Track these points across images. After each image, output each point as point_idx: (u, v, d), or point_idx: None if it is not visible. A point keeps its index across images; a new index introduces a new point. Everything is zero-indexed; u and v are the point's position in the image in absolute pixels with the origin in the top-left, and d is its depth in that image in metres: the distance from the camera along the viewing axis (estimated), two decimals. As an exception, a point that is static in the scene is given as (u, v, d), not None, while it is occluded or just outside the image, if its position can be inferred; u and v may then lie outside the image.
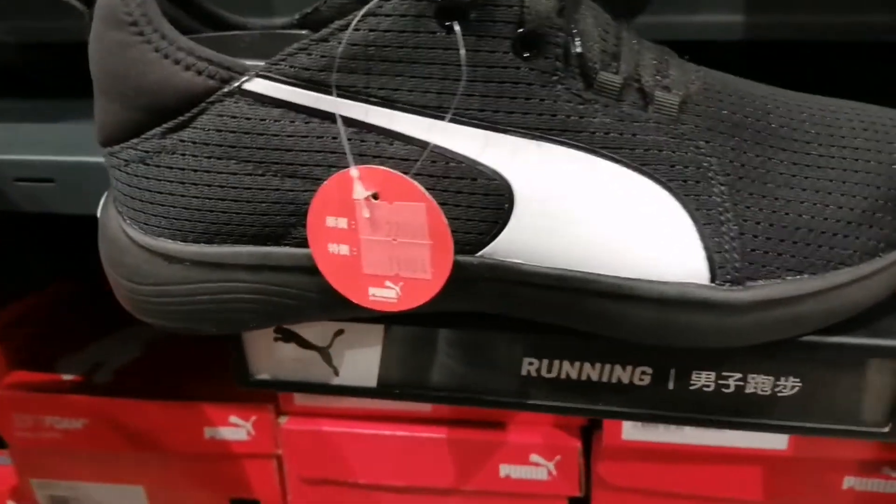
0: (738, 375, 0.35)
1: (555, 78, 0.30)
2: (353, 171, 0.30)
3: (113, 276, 0.34)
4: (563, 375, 0.37)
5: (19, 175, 0.43)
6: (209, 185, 0.31)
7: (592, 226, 0.31)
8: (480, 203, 0.30)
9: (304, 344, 0.38)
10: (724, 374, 0.35)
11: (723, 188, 0.31)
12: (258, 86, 0.30)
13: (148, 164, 0.32)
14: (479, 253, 0.31)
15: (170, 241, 0.32)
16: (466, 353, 0.37)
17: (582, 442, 0.54)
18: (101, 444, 0.59)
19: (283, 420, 0.57)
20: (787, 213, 0.31)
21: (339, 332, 0.38)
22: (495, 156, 0.30)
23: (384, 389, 0.38)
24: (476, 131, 0.30)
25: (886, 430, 0.36)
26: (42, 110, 0.50)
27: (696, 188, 0.31)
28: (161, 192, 0.32)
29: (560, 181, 0.30)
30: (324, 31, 0.29)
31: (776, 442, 0.51)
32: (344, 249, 0.31)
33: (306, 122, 0.30)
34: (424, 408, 0.55)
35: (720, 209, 0.31)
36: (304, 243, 0.32)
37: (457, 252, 0.31)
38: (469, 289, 0.32)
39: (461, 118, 0.30)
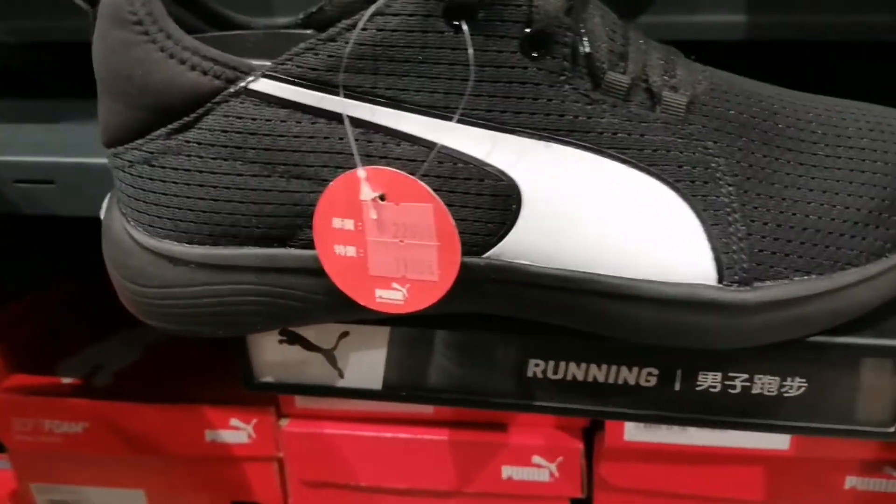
0: (745, 376, 0.35)
1: (562, 78, 0.29)
2: (361, 172, 0.30)
3: (117, 278, 0.34)
4: (568, 377, 0.36)
5: (19, 176, 0.43)
6: (215, 187, 0.31)
7: (600, 226, 0.31)
8: (488, 204, 0.30)
9: (308, 346, 0.38)
10: (731, 374, 0.35)
11: (730, 189, 0.31)
12: (264, 86, 0.30)
13: (153, 165, 0.31)
14: (486, 254, 0.31)
15: (175, 242, 0.32)
16: (472, 355, 0.37)
17: (584, 443, 0.54)
18: (102, 448, 0.58)
19: (284, 423, 0.57)
20: (794, 214, 0.31)
21: (345, 334, 0.37)
22: (503, 156, 0.30)
23: (389, 392, 0.38)
24: (483, 132, 0.30)
25: (892, 429, 0.36)
26: (42, 111, 0.49)
27: (703, 189, 0.31)
28: (166, 194, 0.32)
29: (568, 182, 0.30)
30: (331, 31, 0.29)
31: (778, 442, 0.51)
32: (350, 251, 0.31)
33: (313, 123, 0.30)
34: (426, 410, 0.55)
35: (728, 210, 0.31)
36: (310, 245, 0.31)
37: (463, 253, 0.30)
38: (475, 290, 0.32)
39: (468, 118, 0.29)
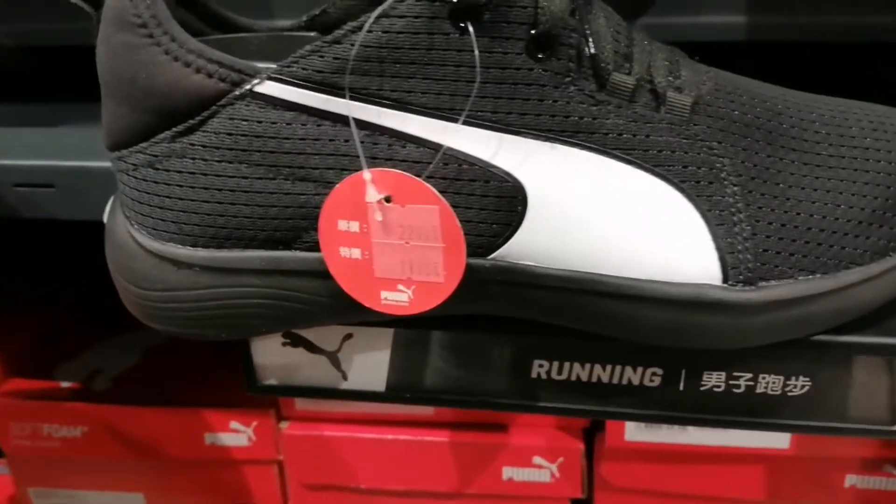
0: (749, 375, 0.35)
1: (568, 79, 0.30)
2: (366, 174, 0.30)
3: (120, 281, 0.34)
4: (573, 377, 0.36)
5: (18, 180, 0.43)
6: (219, 189, 0.31)
7: (605, 227, 0.31)
8: (493, 205, 0.30)
9: (312, 348, 0.38)
10: (735, 374, 0.35)
11: (735, 189, 0.31)
12: (269, 88, 0.30)
13: (157, 169, 0.31)
14: (492, 255, 0.31)
15: (179, 246, 0.32)
16: (476, 356, 0.37)
17: (584, 443, 0.54)
18: (101, 452, 0.58)
19: (284, 425, 0.57)
20: (798, 214, 0.31)
21: (349, 337, 0.37)
22: (508, 158, 0.30)
23: (393, 393, 0.38)
24: (489, 133, 0.30)
25: (895, 428, 0.36)
26: (41, 114, 0.49)
27: (708, 189, 0.31)
28: (170, 197, 0.31)
29: (573, 183, 0.30)
30: (337, 33, 0.29)
31: (779, 441, 0.51)
32: (356, 253, 0.31)
33: (318, 125, 0.30)
34: (426, 411, 0.55)
35: (733, 210, 0.31)
36: (315, 247, 0.31)
37: (468, 255, 0.30)
38: (480, 291, 0.32)
39: (474, 120, 0.29)
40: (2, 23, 0.48)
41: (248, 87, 0.30)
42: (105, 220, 0.35)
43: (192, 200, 0.31)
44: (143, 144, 0.31)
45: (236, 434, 0.57)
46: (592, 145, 0.30)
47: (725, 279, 0.31)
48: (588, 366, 0.36)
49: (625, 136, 0.30)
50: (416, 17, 0.28)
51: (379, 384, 0.38)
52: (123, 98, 0.31)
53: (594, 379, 0.36)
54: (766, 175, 0.31)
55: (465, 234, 0.30)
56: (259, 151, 0.30)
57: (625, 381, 0.36)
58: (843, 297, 0.32)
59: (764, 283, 0.31)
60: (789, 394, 0.35)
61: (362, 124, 0.30)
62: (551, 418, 0.55)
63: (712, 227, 0.31)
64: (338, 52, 0.29)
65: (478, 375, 0.37)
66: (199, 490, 0.60)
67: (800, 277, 0.31)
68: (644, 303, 0.31)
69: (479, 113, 0.29)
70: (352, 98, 0.29)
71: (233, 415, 0.57)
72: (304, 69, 0.29)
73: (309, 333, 0.38)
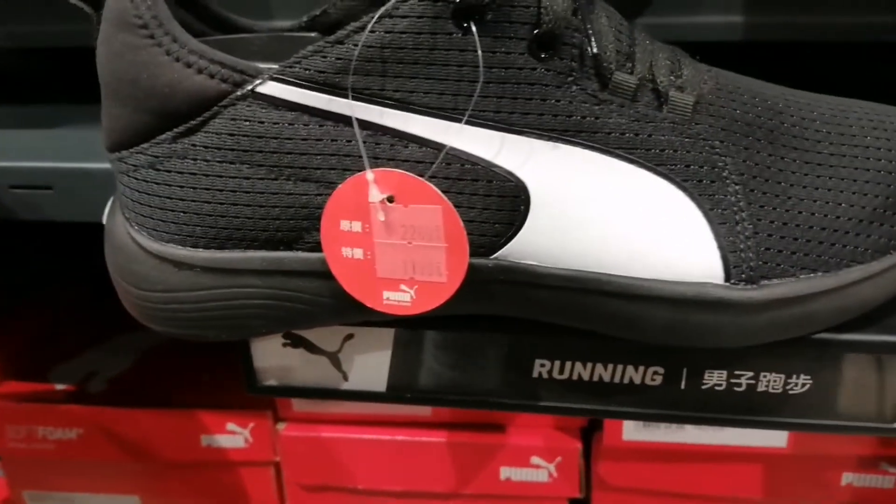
0: (750, 374, 0.35)
1: (570, 79, 0.30)
2: (369, 175, 0.30)
3: (120, 283, 0.34)
4: (574, 377, 0.36)
5: (15, 182, 0.42)
6: (221, 190, 0.31)
7: (608, 226, 0.31)
8: (496, 205, 0.30)
9: (313, 349, 0.38)
10: (736, 372, 0.35)
11: (737, 188, 0.31)
12: (272, 89, 0.29)
13: (158, 170, 0.31)
14: (494, 255, 0.31)
15: (180, 246, 0.32)
16: (477, 356, 0.37)
17: (582, 443, 0.54)
18: (96, 455, 0.58)
19: (281, 426, 0.57)
20: (800, 212, 0.31)
21: (349, 337, 0.37)
22: (511, 157, 0.30)
23: (394, 394, 0.38)
24: (491, 133, 0.30)
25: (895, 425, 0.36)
26: (38, 116, 0.49)
27: (710, 188, 0.31)
28: (171, 198, 0.31)
29: (576, 182, 0.30)
30: (339, 34, 0.29)
31: (776, 440, 0.51)
32: (358, 253, 0.31)
33: (320, 126, 0.30)
34: (424, 411, 0.55)
35: (735, 209, 0.31)
36: (317, 248, 0.31)
37: (471, 254, 0.30)
38: (482, 291, 0.32)
39: (476, 120, 0.29)
40: (-2, 24, 0.47)
41: (249, 87, 0.30)
42: (104, 221, 0.35)
43: (194, 201, 0.31)
44: (144, 145, 0.31)
45: (233, 436, 0.57)
46: (595, 145, 0.30)
47: (728, 278, 0.31)
48: (589, 365, 0.36)
49: (627, 135, 0.30)
50: (419, 17, 0.28)
51: (380, 384, 0.38)
52: (124, 99, 0.31)
53: (595, 378, 0.36)
54: (767, 174, 0.31)
55: (468, 233, 0.30)
56: (261, 152, 0.30)
57: (626, 381, 0.36)
58: (845, 295, 0.32)
59: (766, 282, 0.31)
60: (790, 392, 0.35)
61: (365, 124, 0.30)
62: (549, 418, 0.55)
63: (714, 226, 0.31)
64: (340, 52, 0.29)
65: (479, 375, 0.37)
66: (196, 492, 0.60)
67: (801, 276, 0.32)
68: (647, 302, 0.31)
69: (482, 113, 0.29)
70: (354, 98, 0.29)
71: (229, 416, 0.56)
72: (306, 69, 0.29)
73: (309, 334, 0.38)
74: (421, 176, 0.30)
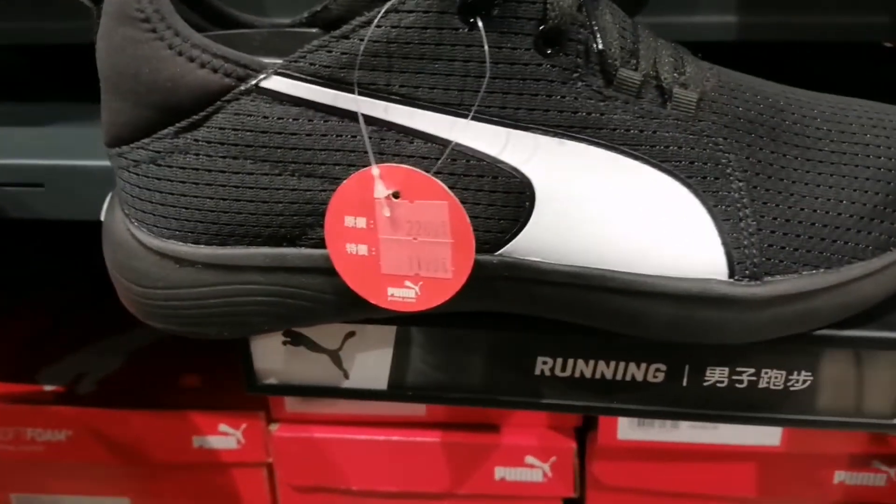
0: (752, 371, 0.35)
1: (575, 75, 0.30)
2: (375, 170, 0.29)
3: (119, 279, 0.34)
4: (576, 374, 0.36)
5: (6, 179, 0.42)
6: (224, 186, 0.31)
7: (612, 223, 0.31)
8: (501, 201, 0.30)
9: (314, 347, 0.38)
10: (738, 369, 0.35)
11: (741, 184, 0.31)
12: (276, 84, 0.29)
13: (159, 165, 0.31)
14: (499, 251, 0.31)
15: (181, 243, 0.32)
16: (479, 353, 0.37)
17: (577, 442, 0.55)
18: (85, 456, 0.58)
19: (273, 427, 0.56)
20: (802, 209, 0.32)
21: (350, 335, 0.37)
22: (516, 153, 0.30)
23: (395, 392, 0.38)
24: (497, 129, 0.30)
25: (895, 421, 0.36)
26: (30, 113, 0.48)
27: (714, 184, 0.31)
28: (173, 193, 0.31)
29: (581, 178, 0.30)
30: (345, 28, 0.28)
31: (769, 438, 0.52)
32: (362, 249, 0.31)
33: (325, 121, 0.30)
34: (418, 411, 0.55)
35: (738, 205, 0.31)
36: (320, 244, 0.31)
37: (476, 251, 0.30)
38: (487, 288, 0.32)
39: (482, 115, 0.29)
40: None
41: (253, 82, 0.29)
42: (102, 217, 0.35)
43: (195, 197, 0.31)
44: (145, 140, 0.31)
45: (225, 437, 0.56)
46: (600, 141, 0.30)
47: (731, 274, 0.31)
48: (592, 362, 0.36)
49: (632, 131, 0.30)
50: (425, 12, 0.28)
51: (381, 382, 0.38)
52: (125, 93, 0.30)
53: (598, 375, 0.36)
54: (770, 171, 0.32)
55: (473, 229, 0.30)
56: (264, 147, 0.30)
57: (628, 378, 0.36)
58: (846, 291, 0.32)
59: (769, 278, 0.31)
60: (791, 388, 0.36)
61: (370, 120, 0.29)
62: (543, 418, 0.55)
63: (718, 223, 0.31)
64: (346, 47, 0.29)
65: (480, 373, 0.37)
66: (187, 494, 0.60)
67: (804, 272, 0.32)
68: (651, 298, 0.31)
69: (488, 108, 0.29)
70: (360, 93, 0.29)
71: (221, 417, 0.56)
72: (311, 64, 0.29)
73: (310, 332, 0.37)
74: (426, 171, 0.29)
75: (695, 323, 0.32)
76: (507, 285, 0.32)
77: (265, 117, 0.30)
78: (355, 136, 0.30)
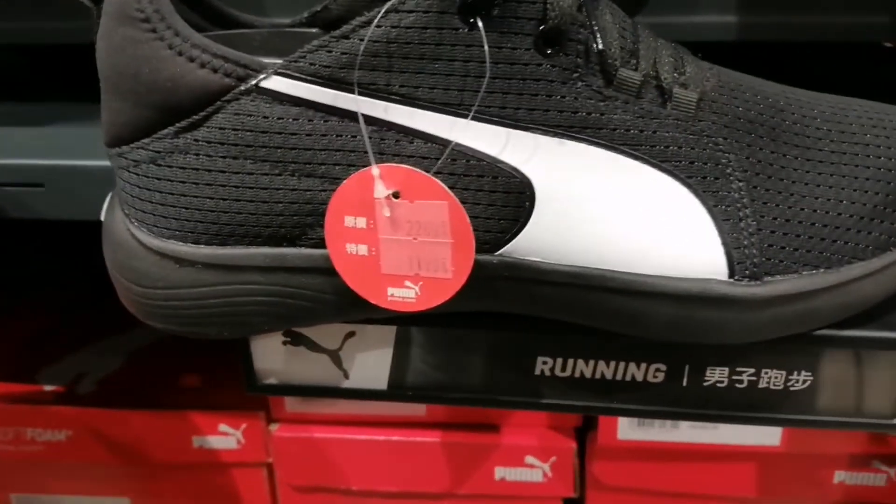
0: (751, 371, 0.35)
1: (575, 75, 0.30)
2: (375, 170, 0.29)
3: (119, 280, 0.34)
4: (576, 374, 0.36)
5: (6, 179, 0.42)
6: (224, 186, 0.31)
7: (612, 223, 0.31)
8: (501, 201, 0.30)
9: (314, 347, 0.38)
10: (738, 369, 0.35)
11: (741, 184, 0.31)
12: (276, 84, 0.29)
13: (159, 165, 0.31)
14: (499, 251, 0.31)
15: (181, 243, 0.32)
16: (479, 353, 0.37)
17: (577, 442, 0.54)
18: (85, 456, 0.58)
19: (273, 427, 0.56)
20: (802, 209, 0.32)
21: (350, 335, 0.37)
22: (516, 153, 0.30)
23: (395, 392, 0.38)
24: (497, 129, 0.30)
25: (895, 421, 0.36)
26: (29, 113, 0.48)
27: (714, 184, 0.31)
28: (173, 193, 0.31)
29: (581, 178, 0.30)
30: (345, 28, 0.28)
31: (769, 438, 0.52)
32: (362, 249, 0.31)
33: (325, 121, 0.30)
34: (418, 411, 0.55)
35: (738, 205, 0.31)
36: (320, 244, 0.31)
37: (476, 251, 0.30)
38: (487, 288, 0.32)
39: (482, 116, 0.29)
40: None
41: (253, 82, 0.29)
42: (102, 217, 0.35)
43: (196, 197, 0.31)
44: (145, 140, 0.31)
45: (225, 437, 0.56)
46: (600, 141, 0.30)
47: (732, 274, 0.31)
48: (591, 362, 0.36)
49: (632, 131, 0.30)
50: (425, 12, 0.28)
51: (381, 383, 0.38)
52: (125, 93, 0.30)
53: (598, 375, 0.36)
54: (770, 171, 0.32)
55: (473, 229, 0.30)
56: (264, 147, 0.30)
57: (628, 378, 0.36)
58: (846, 291, 0.32)
59: (769, 278, 0.31)
60: (791, 388, 0.36)
61: (370, 120, 0.29)
62: (543, 418, 0.55)
63: (718, 223, 0.31)
64: (346, 46, 0.29)
65: (480, 373, 0.37)
66: (187, 494, 0.60)
67: (804, 272, 0.32)
68: (651, 298, 0.31)
69: (488, 108, 0.29)
70: (360, 93, 0.29)
71: (221, 417, 0.56)
72: (311, 64, 0.29)
73: (310, 332, 0.37)
74: (426, 171, 0.29)
75: (695, 323, 0.32)
76: (507, 285, 0.32)
77: (265, 117, 0.30)
78: (355, 136, 0.30)
